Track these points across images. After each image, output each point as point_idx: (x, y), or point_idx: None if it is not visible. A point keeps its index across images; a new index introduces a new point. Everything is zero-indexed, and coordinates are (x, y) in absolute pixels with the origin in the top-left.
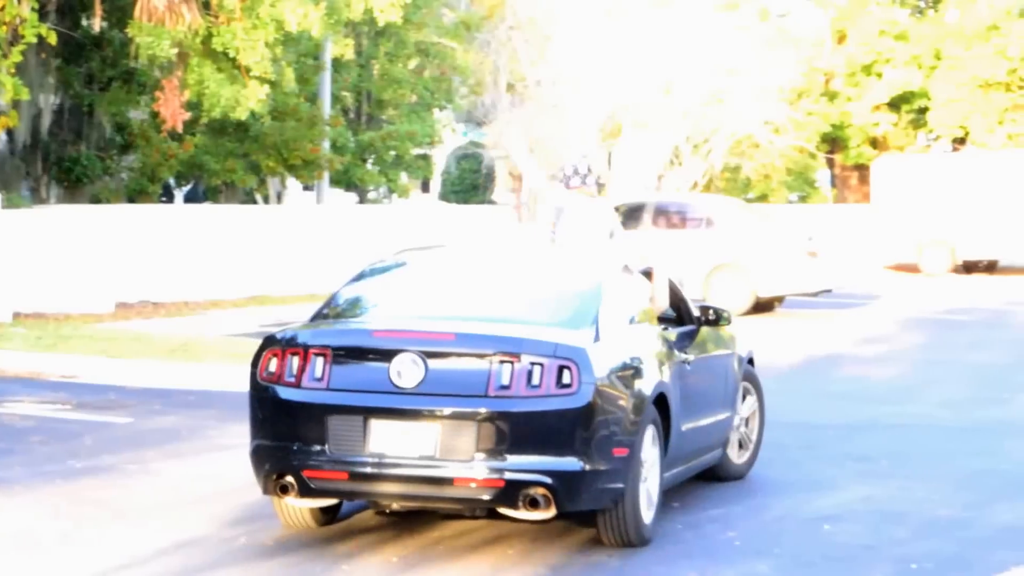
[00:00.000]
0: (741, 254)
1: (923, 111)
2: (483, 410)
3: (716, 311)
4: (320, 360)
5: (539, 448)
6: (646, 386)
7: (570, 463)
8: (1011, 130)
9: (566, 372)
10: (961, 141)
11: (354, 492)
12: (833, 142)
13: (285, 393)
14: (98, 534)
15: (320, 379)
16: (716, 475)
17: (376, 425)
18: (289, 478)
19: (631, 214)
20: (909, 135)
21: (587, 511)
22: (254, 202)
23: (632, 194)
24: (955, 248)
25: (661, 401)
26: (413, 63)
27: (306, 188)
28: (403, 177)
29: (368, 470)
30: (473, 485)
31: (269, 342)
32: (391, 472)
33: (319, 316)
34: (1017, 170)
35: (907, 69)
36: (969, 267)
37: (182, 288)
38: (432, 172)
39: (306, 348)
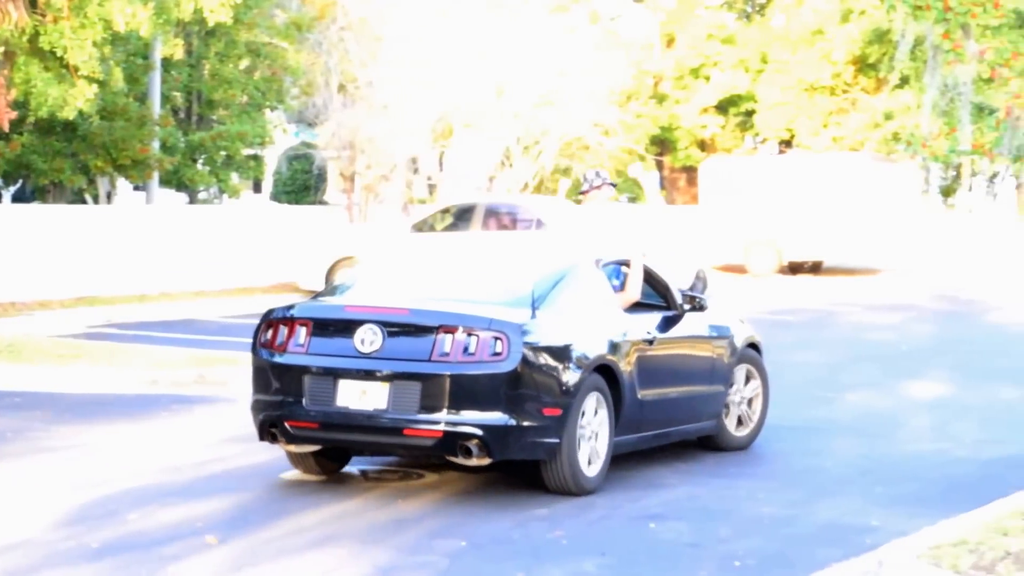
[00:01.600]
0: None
1: (750, 114)
2: (425, 372)
3: (698, 299)
4: (303, 330)
5: (473, 405)
6: (584, 358)
7: (499, 419)
8: (835, 133)
9: (498, 343)
10: (787, 143)
11: (325, 439)
12: (662, 144)
13: (275, 357)
14: None
15: (302, 345)
16: (716, 445)
17: (343, 384)
18: (275, 427)
19: (462, 215)
20: (736, 137)
21: (528, 463)
22: (83, 202)
23: (463, 195)
24: (781, 249)
25: (608, 372)
26: (244, 63)
27: (136, 188)
28: (234, 177)
29: (335, 421)
30: (416, 435)
31: (267, 315)
32: (354, 423)
33: (315, 298)
34: (841, 172)
35: (734, 72)
36: (795, 268)
37: (8, 288)
38: (263, 173)
39: (293, 320)
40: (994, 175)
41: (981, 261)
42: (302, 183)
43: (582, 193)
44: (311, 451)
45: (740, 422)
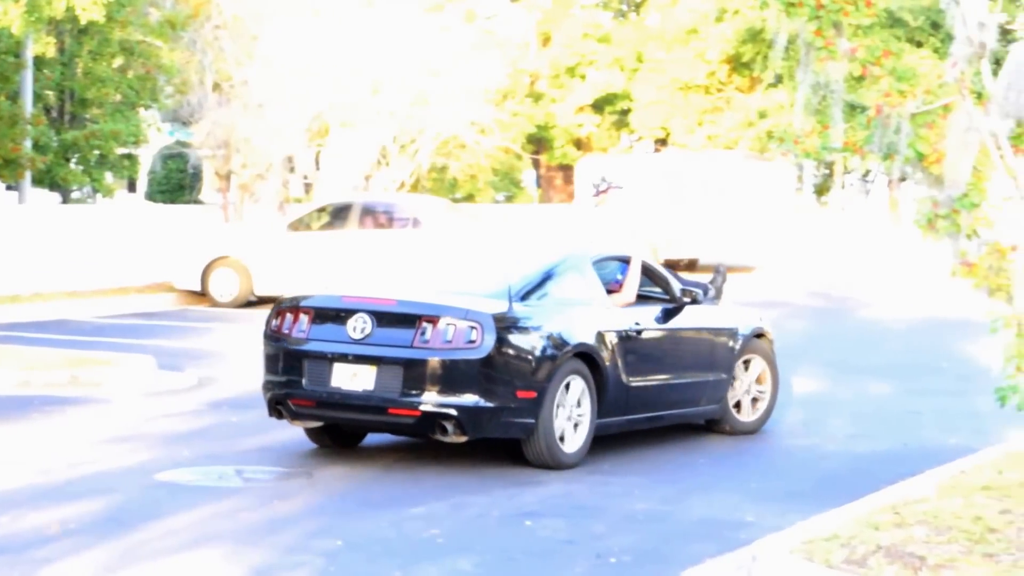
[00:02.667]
0: (448, 251)
1: (626, 112)
2: (407, 357)
3: (693, 293)
4: (305, 318)
5: (449, 388)
6: (561, 346)
7: (473, 400)
8: (710, 131)
9: (473, 331)
10: (663, 142)
11: (322, 416)
12: (538, 143)
13: (281, 342)
14: None
15: (303, 332)
16: (723, 429)
17: (337, 367)
18: (281, 404)
19: (338, 214)
20: (612, 136)
21: (508, 441)
22: None
23: (339, 194)
24: (656, 247)
25: (588, 359)
26: (118, 62)
27: (9, 188)
28: (108, 177)
29: (330, 400)
30: (399, 414)
31: (277, 305)
32: (346, 402)
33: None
34: (715, 170)
35: (610, 71)
36: (671, 265)
37: None
38: (138, 172)
39: (297, 309)
40: (866, 173)
41: (853, 258)
42: (177, 182)
43: (593, 197)
44: (322, 428)
45: (748, 408)
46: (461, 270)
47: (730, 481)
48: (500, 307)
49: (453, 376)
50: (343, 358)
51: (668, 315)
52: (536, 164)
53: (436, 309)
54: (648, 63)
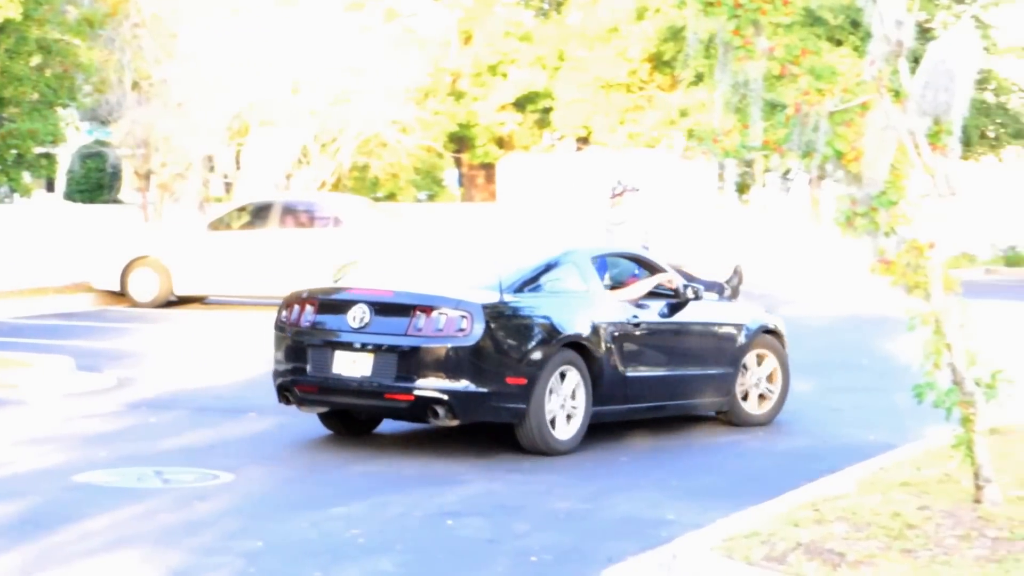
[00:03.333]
0: (370, 253)
1: (547, 111)
2: (401, 345)
3: (695, 289)
4: (311, 308)
5: (441, 374)
6: (553, 335)
7: (464, 386)
8: (631, 130)
9: (463, 320)
10: (584, 140)
11: (325, 401)
12: (460, 141)
13: (289, 331)
14: None
15: (308, 322)
16: (732, 421)
17: (338, 355)
18: (288, 390)
19: (258, 213)
20: (534, 134)
21: (499, 425)
22: None
23: (260, 193)
24: None
25: (583, 350)
26: (35, 60)
27: None
28: (26, 176)
29: (332, 386)
30: (394, 399)
31: (287, 297)
32: (346, 388)
33: (331, 283)
34: (637, 169)
35: (532, 70)
36: None
37: None
38: (56, 171)
39: (304, 301)
40: (787, 171)
41: (774, 256)
42: (96, 182)
43: (610, 199)
44: (334, 415)
45: (758, 401)
46: (459, 264)
47: (651, 479)
48: (491, 298)
49: (445, 363)
50: (343, 346)
51: (672, 310)
52: (458, 163)
53: (429, 300)
54: (570, 61)
